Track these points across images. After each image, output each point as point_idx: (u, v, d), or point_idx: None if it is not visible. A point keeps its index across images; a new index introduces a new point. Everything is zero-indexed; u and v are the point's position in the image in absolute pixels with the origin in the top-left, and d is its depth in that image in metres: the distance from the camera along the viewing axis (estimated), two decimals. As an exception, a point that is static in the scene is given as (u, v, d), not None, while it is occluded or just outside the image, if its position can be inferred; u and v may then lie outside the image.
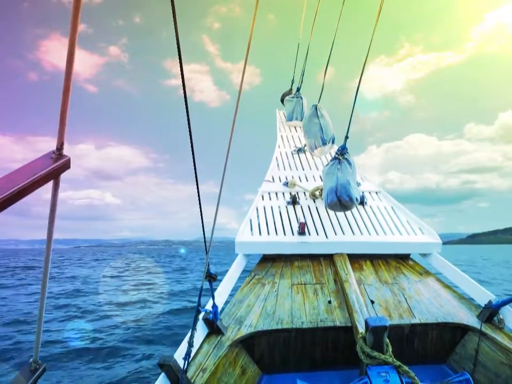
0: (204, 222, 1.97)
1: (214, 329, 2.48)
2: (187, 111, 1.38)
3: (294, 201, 4.33)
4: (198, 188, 1.74)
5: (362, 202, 4.36)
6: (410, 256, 3.77)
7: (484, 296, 2.90)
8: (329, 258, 3.58)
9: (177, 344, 2.27)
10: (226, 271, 3.24)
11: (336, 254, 3.56)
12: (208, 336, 2.47)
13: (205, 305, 2.52)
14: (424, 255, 3.76)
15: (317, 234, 3.77)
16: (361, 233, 3.81)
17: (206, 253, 2.03)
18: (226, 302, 2.92)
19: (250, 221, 3.94)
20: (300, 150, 5.75)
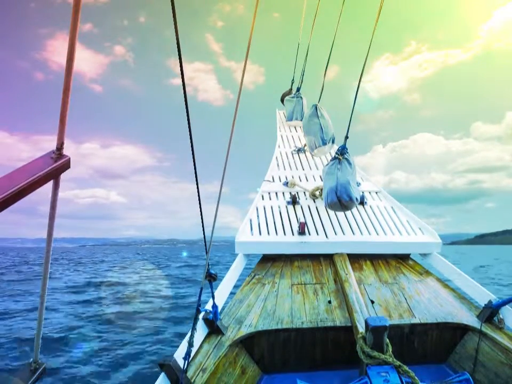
0: (204, 222, 1.97)
1: (214, 329, 2.48)
2: (187, 111, 1.38)
3: (294, 201, 4.33)
4: (197, 186, 1.74)
5: (362, 202, 4.35)
6: (410, 256, 3.77)
7: (484, 296, 2.90)
8: (329, 258, 3.58)
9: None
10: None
11: (336, 254, 3.55)
12: (208, 336, 2.47)
13: (205, 305, 2.52)
14: (424, 255, 3.76)
15: (317, 234, 3.76)
16: (361, 233, 3.81)
17: (206, 252, 2.03)
18: (226, 302, 2.92)
19: (250, 220, 3.94)
20: (299, 150, 5.75)
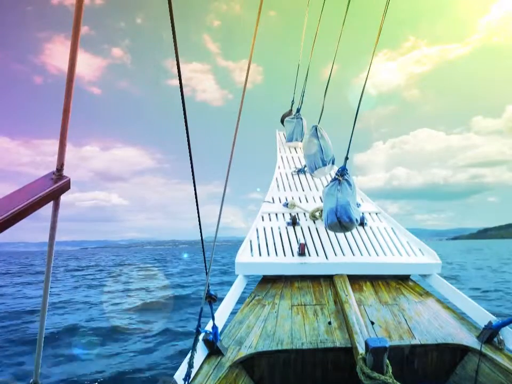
0: (203, 231, 1.97)
1: (214, 350, 2.48)
2: (184, 112, 1.40)
3: (294, 222, 4.36)
4: (197, 204, 1.76)
5: (362, 223, 4.38)
6: (410, 277, 3.78)
7: (484, 316, 2.90)
8: (329, 279, 3.59)
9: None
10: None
11: (336, 274, 3.56)
12: (208, 357, 2.47)
13: (205, 326, 2.52)
14: (424, 276, 3.76)
15: (317, 255, 3.78)
16: (361, 254, 3.82)
17: (206, 273, 2.05)
18: (226, 323, 2.92)
19: (250, 241, 3.96)
20: (300, 171, 5.81)
